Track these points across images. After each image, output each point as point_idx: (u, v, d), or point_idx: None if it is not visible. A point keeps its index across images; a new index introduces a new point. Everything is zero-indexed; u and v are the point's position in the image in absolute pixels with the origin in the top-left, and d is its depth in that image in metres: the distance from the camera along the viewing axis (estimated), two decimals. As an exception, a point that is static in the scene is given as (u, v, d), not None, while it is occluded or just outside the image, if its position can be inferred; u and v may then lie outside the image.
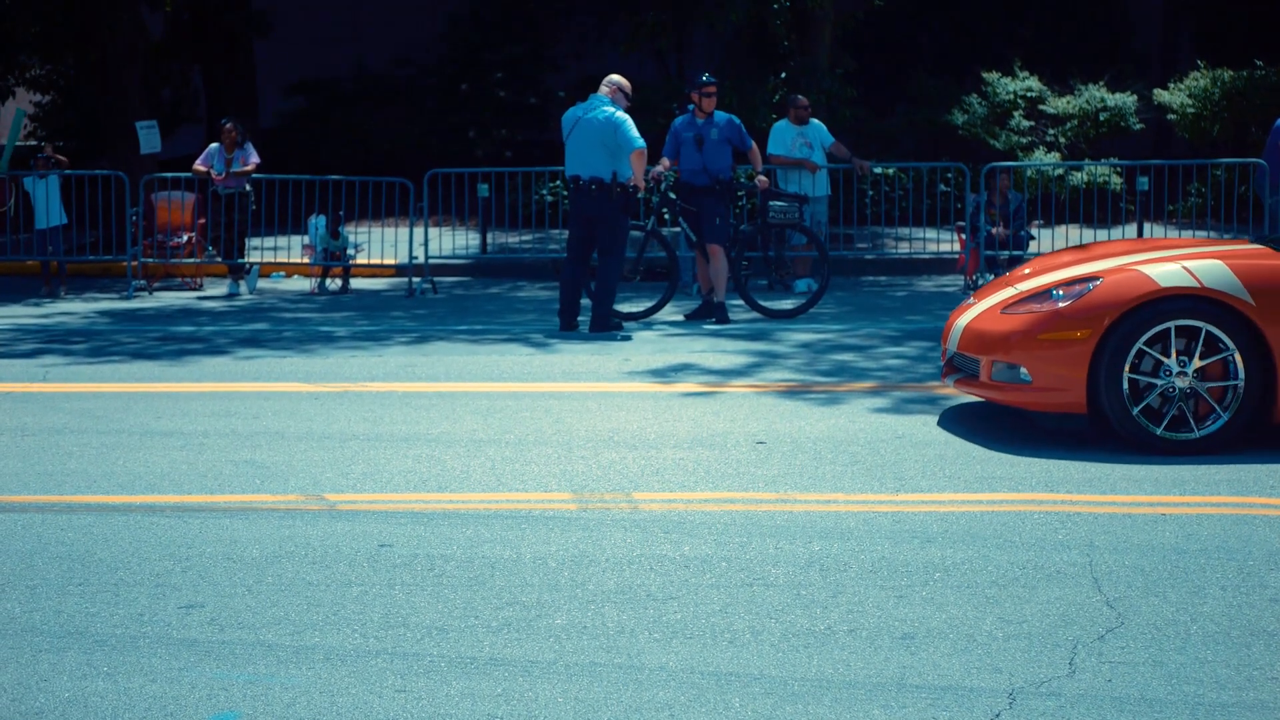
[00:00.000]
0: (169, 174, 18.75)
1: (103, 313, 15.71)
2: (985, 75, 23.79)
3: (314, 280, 17.74)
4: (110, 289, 17.66)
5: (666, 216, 15.69)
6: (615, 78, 13.82)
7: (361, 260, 18.04)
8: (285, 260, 18.45)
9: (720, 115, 14.85)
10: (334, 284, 17.62)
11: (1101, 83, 23.44)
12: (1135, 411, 8.35)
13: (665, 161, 14.83)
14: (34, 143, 26.64)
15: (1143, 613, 5.83)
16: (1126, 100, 23.00)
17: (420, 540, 6.82)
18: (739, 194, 17.27)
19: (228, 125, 17.75)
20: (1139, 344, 8.35)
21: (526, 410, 9.75)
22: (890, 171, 20.72)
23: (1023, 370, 8.60)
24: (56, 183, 17.78)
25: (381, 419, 9.52)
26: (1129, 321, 8.37)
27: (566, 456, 8.44)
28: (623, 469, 8.15)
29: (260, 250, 18.41)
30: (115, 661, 5.38)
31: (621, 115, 13.37)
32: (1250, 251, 9.02)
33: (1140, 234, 18.45)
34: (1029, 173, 20.19)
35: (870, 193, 20.63)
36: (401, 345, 12.94)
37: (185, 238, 18.35)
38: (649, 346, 12.69)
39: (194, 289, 17.88)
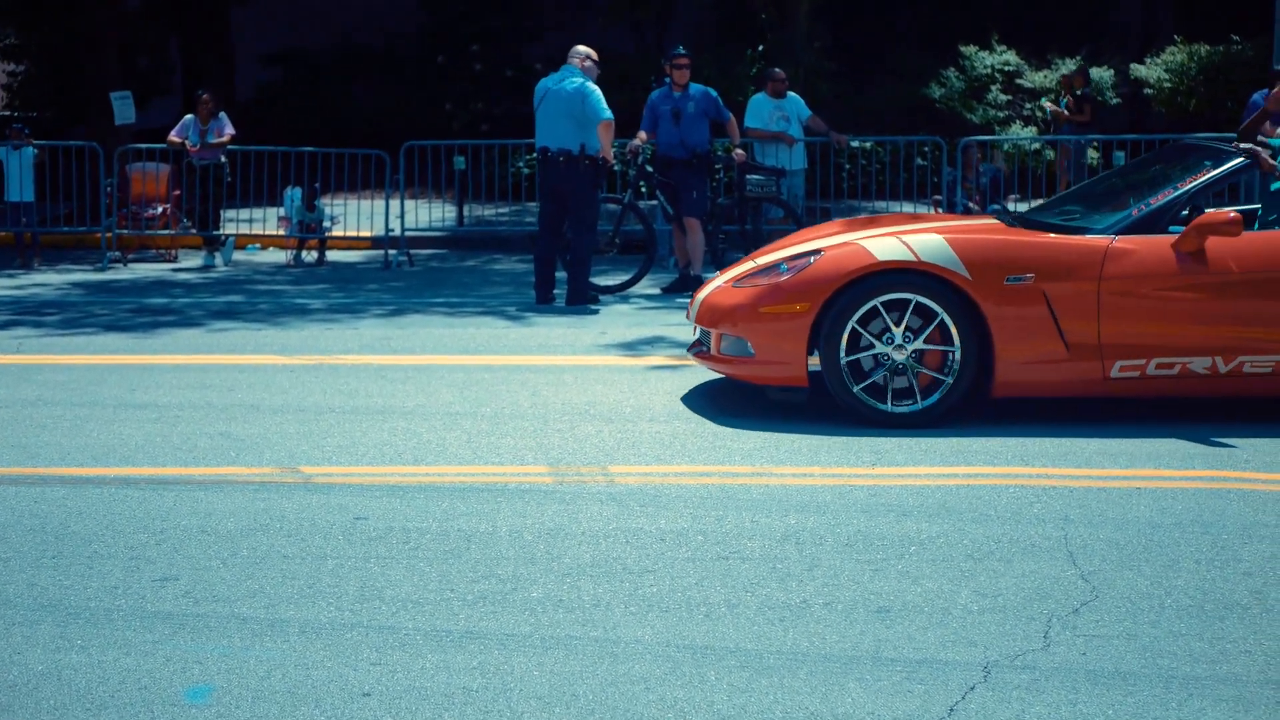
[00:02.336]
0: (144, 145, 18.65)
1: (76, 284, 15.63)
2: (963, 49, 23.78)
3: (289, 252, 17.67)
4: (84, 260, 17.57)
5: (644, 189, 15.67)
6: (582, 48, 13.75)
7: (337, 232, 17.97)
8: (260, 232, 18.38)
9: (697, 88, 14.81)
10: (310, 256, 17.55)
11: (1079, 57, 23.45)
12: (855, 386, 8.42)
13: (642, 135, 14.78)
14: (8, 113, 26.46)
15: (1117, 586, 5.85)
16: (1104, 75, 23.01)
17: (396, 513, 6.81)
18: (716, 167, 17.24)
19: (204, 96, 17.65)
20: (855, 317, 8.41)
21: (502, 383, 9.73)
22: (867, 145, 20.70)
23: (748, 343, 8.65)
24: (31, 155, 17.67)
25: (357, 392, 9.50)
26: (846, 295, 8.43)
27: (542, 430, 8.43)
28: (599, 442, 8.14)
29: (235, 222, 18.32)
30: (89, 635, 5.36)
31: (591, 86, 13.31)
32: (976, 226, 9.14)
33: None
34: (1005, 147, 20.18)
35: (847, 166, 20.62)
36: (377, 318, 12.90)
37: (160, 209, 18.26)
38: (625, 320, 12.68)
39: (169, 261, 17.79)
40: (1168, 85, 22.49)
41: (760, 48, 22.56)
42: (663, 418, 8.71)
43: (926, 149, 20.13)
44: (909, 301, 8.38)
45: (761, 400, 8.79)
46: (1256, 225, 9.18)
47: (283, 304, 13.86)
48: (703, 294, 9.19)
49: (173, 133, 17.71)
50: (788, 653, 5.20)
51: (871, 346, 8.43)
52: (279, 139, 20.26)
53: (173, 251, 18.07)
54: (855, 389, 8.41)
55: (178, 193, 18.21)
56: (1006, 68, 23.42)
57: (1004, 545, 6.35)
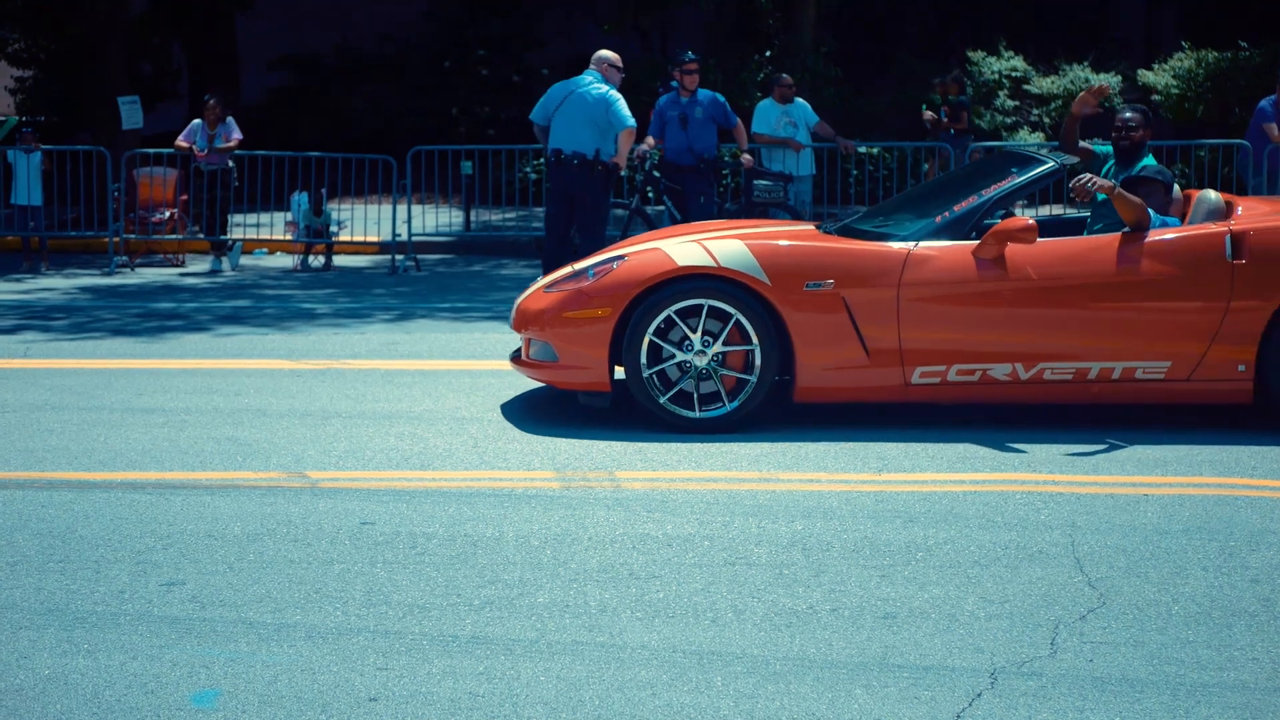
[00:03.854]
0: (151, 150, 18.67)
1: (84, 289, 15.64)
2: (970, 55, 23.78)
3: (296, 257, 17.68)
4: (91, 265, 17.59)
5: (651, 195, 15.67)
6: (607, 54, 13.67)
7: (344, 237, 17.99)
8: (268, 237, 18.39)
9: (705, 94, 14.82)
10: (316, 261, 17.56)
11: (1086, 63, 23.44)
12: (654, 391, 8.43)
13: (650, 140, 14.79)
14: (21, 117, 26.48)
15: (1124, 593, 5.84)
16: (1111, 81, 23.00)
17: (402, 518, 6.81)
18: (723, 172, 17.25)
19: (211, 101, 17.67)
20: (656, 322, 8.41)
21: (509, 388, 9.73)
22: (874, 151, 20.70)
23: (553, 348, 8.65)
24: (39, 160, 17.69)
25: (364, 396, 9.50)
26: (648, 300, 8.42)
27: (549, 434, 8.42)
28: (606, 447, 8.14)
29: (243, 227, 18.34)
30: (96, 639, 5.36)
31: (615, 94, 13.26)
32: (784, 233, 9.15)
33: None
34: (1013, 152, 20.13)
35: (854, 172, 20.62)
36: (384, 322, 12.91)
37: (167, 214, 18.27)
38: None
39: (176, 265, 17.81)
40: (1175, 92, 22.47)
41: (767, 53, 22.57)
42: (669, 423, 8.69)
43: (934, 155, 20.11)
44: (709, 307, 8.39)
45: (768, 407, 8.78)
46: (1085, 232, 9.13)
47: (290, 308, 13.86)
48: (520, 298, 9.16)
49: (180, 137, 17.73)
50: (794, 659, 5.20)
51: (673, 355, 8.44)
52: (284, 145, 20.29)
53: (180, 256, 18.09)
54: (656, 395, 8.43)
55: (185, 197, 18.23)
56: (1014, 74, 23.41)
57: (1011, 552, 6.34)
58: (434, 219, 19.25)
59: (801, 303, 8.39)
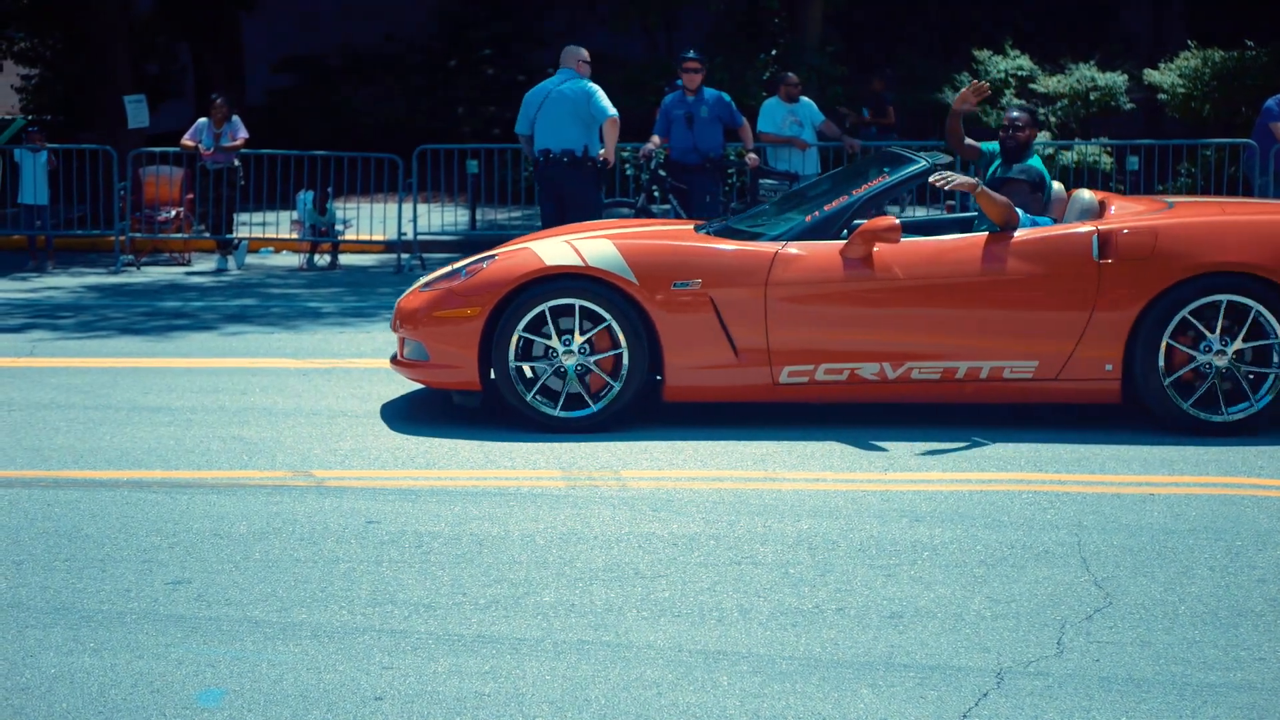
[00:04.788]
0: (157, 149, 18.68)
1: (90, 287, 15.65)
2: (976, 54, 23.76)
3: (302, 256, 17.69)
4: (98, 264, 17.60)
5: (656, 194, 15.66)
6: (576, 49, 13.66)
7: (350, 236, 17.99)
8: (273, 236, 18.40)
9: (710, 92, 14.81)
10: (322, 260, 17.57)
11: (1092, 62, 23.42)
12: (522, 389, 8.43)
13: (655, 139, 14.78)
14: (27, 117, 26.52)
15: (1131, 593, 5.83)
16: (1117, 80, 22.97)
17: (408, 517, 6.81)
18: (729, 172, 17.24)
19: (218, 101, 17.67)
20: (525, 321, 8.41)
21: (515, 387, 9.72)
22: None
23: (424, 347, 8.64)
24: (45, 159, 17.70)
25: (369, 395, 9.50)
26: (516, 299, 8.42)
27: (555, 434, 8.41)
28: (611, 447, 8.13)
29: (248, 225, 18.35)
30: (102, 637, 5.36)
31: (594, 85, 13.27)
32: (657, 233, 9.17)
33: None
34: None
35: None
36: (390, 321, 12.90)
37: (173, 213, 18.28)
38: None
39: (182, 264, 17.82)
40: (1181, 90, 22.44)
41: (773, 52, 22.56)
42: (674, 422, 8.70)
43: (939, 153, 20.11)
44: (578, 307, 8.39)
45: (774, 407, 8.77)
46: (975, 230, 9.11)
47: (296, 307, 13.87)
48: (400, 297, 9.16)
49: (186, 136, 17.74)
50: (800, 658, 5.19)
51: (543, 353, 8.45)
52: (290, 144, 20.29)
53: (186, 255, 18.10)
54: (524, 393, 8.42)
55: (191, 196, 18.24)
56: (1020, 72, 23.38)
57: (1017, 551, 6.34)
58: (439, 218, 19.26)
59: (669, 302, 8.38)
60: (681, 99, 14.78)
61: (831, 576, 6.03)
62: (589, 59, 13.59)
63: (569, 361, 8.41)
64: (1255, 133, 17.24)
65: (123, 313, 13.57)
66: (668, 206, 15.41)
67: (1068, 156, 20.99)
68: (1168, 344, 8.32)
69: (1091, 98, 22.86)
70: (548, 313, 8.41)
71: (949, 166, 8.89)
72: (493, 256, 8.77)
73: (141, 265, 17.51)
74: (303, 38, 27.11)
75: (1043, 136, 22.23)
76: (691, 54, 14.90)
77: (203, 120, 17.74)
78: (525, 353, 8.45)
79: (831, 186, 9.31)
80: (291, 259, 17.97)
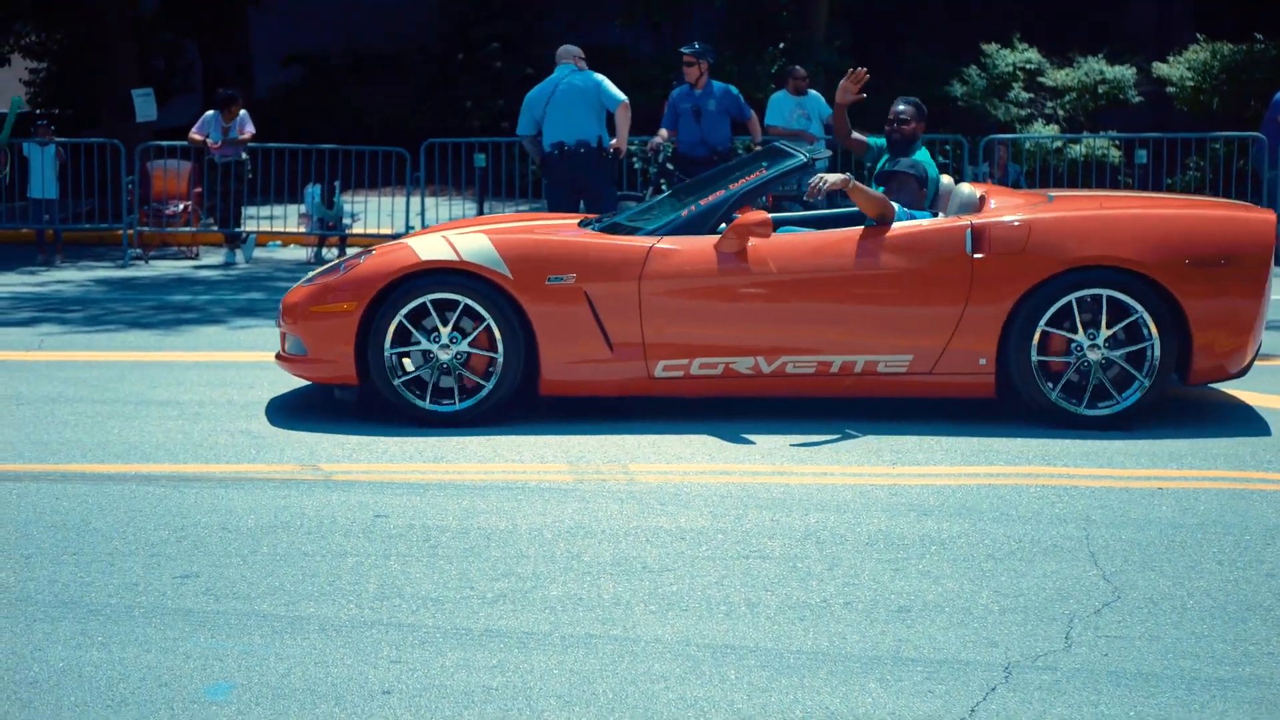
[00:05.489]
0: (165, 142, 18.69)
1: (98, 281, 15.67)
2: (984, 47, 23.73)
3: (310, 249, 17.70)
4: (106, 257, 17.62)
5: (664, 187, 15.63)
6: (571, 46, 13.76)
7: (357, 230, 17.99)
8: (281, 229, 18.41)
9: (718, 86, 14.80)
10: (330, 253, 17.58)
11: (1100, 55, 23.38)
12: (399, 383, 8.43)
13: (664, 132, 14.77)
14: (37, 110, 26.55)
15: (1139, 587, 5.83)
16: (1125, 73, 22.94)
17: (416, 511, 6.81)
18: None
19: (234, 96, 17.66)
20: (400, 315, 8.39)
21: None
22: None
23: (302, 341, 8.65)
24: (54, 153, 17.72)
25: (376, 389, 9.48)
26: (393, 294, 8.41)
27: (563, 428, 8.42)
28: (619, 441, 8.13)
29: (256, 219, 18.36)
30: (110, 631, 5.37)
31: (600, 75, 13.34)
32: (534, 227, 9.16)
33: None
34: (1027, 145, 20.13)
35: (868, 164, 20.57)
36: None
37: (181, 206, 18.31)
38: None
39: (190, 258, 17.84)
40: (1190, 84, 22.41)
41: (781, 46, 22.54)
42: (682, 416, 8.70)
43: (948, 147, 20.08)
44: (455, 302, 8.39)
45: (779, 400, 8.76)
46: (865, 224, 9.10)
47: (303, 301, 13.85)
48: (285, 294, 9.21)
49: (194, 130, 17.76)
50: (808, 652, 5.19)
51: (418, 343, 8.44)
52: (296, 139, 20.30)
53: (194, 249, 18.12)
54: (396, 385, 8.42)
55: (199, 190, 18.25)
56: (1028, 66, 23.35)
57: (1025, 545, 6.33)
58: (447, 211, 19.26)
59: (544, 297, 8.38)
60: (689, 93, 14.77)
61: (839, 570, 6.02)
62: (583, 55, 13.63)
63: (444, 355, 8.42)
64: (1264, 126, 17.22)
65: (131, 306, 13.58)
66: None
67: (1076, 150, 20.96)
68: (1043, 337, 8.31)
69: (1100, 91, 22.83)
70: (429, 306, 8.40)
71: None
72: (371, 251, 8.85)
73: (149, 259, 17.53)
74: (309, 33, 27.11)
75: (1051, 130, 22.21)
76: (685, 49, 14.89)
77: (210, 114, 17.75)
78: (403, 341, 8.45)
79: (713, 182, 9.30)
80: (299, 253, 17.98)
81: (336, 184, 17.62)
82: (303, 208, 17.86)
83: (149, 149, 18.45)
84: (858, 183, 8.52)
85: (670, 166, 14.90)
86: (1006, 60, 23.40)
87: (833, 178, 8.51)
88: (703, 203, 8.71)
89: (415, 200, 17.60)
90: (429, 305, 8.40)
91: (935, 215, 8.93)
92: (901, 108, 9.75)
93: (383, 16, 26.94)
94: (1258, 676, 5.00)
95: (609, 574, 5.98)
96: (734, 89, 14.98)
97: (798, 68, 17.28)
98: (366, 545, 6.33)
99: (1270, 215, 8.74)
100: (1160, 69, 22.89)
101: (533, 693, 4.86)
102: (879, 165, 9.67)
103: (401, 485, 7.27)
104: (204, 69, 27.62)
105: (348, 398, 8.78)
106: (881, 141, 9.87)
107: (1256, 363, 10.42)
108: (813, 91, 17.15)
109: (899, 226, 8.53)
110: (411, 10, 26.46)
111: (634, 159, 19.39)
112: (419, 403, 8.43)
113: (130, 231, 17.64)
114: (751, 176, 8.84)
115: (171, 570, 6.02)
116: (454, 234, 8.70)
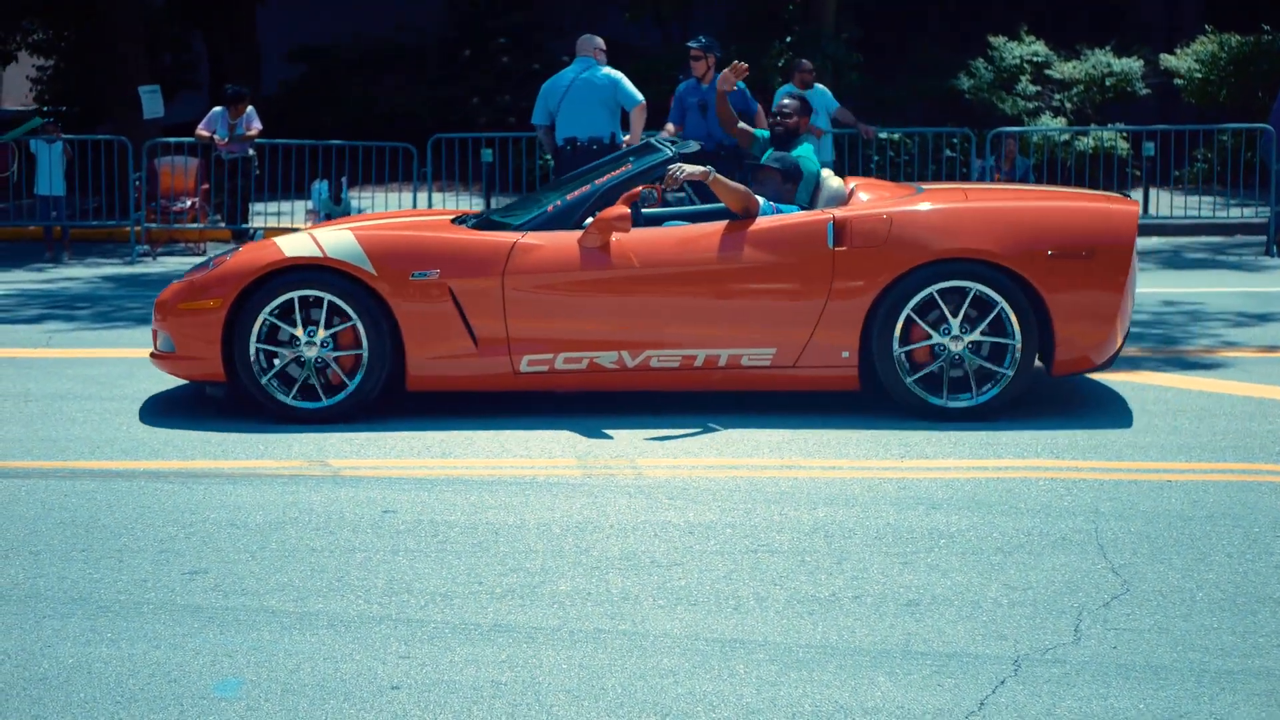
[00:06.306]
0: (172, 139, 18.71)
1: (106, 278, 15.69)
2: (991, 40, 23.71)
3: (317, 246, 17.69)
4: (114, 254, 17.64)
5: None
6: (593, 37, 13.67)
7: (365, 226, 17.98)
8: (289, 225, 18.42)
9: (725, 80, 14.75)
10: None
11: (1108, 48, 23.35)
12: (262, 378, 8.43)
13: (670, 127, 14.74)
14: (44, 112, 26.58)
15: (1148, 579, 5.82)
16: (1133, 65, 22.92)
17: (424, 506, 6.82)
18: (743, 159, 17.19)
19: (243, 93, 17.66)
20: (265, 312, 8.39)
21: (530, 376, 9.72)
22: (895, 136, 20.65)
23: (171, 338, 8.65)
24: (61, 150, 17.74)
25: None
26: (258, 292, 8.41)
27: (571, 422, 8.42)
28: (627, 435, 8.13)
29: (264, 215, 18.37)
30: (119, 628, 5.38)
31: (619, 74, 13.30)
32: (403, 224, 9.15)
33: (1145, 201, 18.38)
34: (1035, 138, 20.11)
35: (875, 158, 20.57)
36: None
37: (189, 203, 18.33)
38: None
39: (197, 254, 17.85)
40: (1198, 76, 22.38)
41: (788, 40, 22.53)
42: (691, 410, 8.70)
43: (955, 140, 20.07)
44: (321, 299, 8.39)
45: (781, 394, 8.76)
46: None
47: (311, 297, 13.86)
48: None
49: (200, 126, 17.77)
50: (817, 646, 5.19)
51: (287, 340, 8.45)
52: (304, 135, 20.31)
53: (202, 245, 18.14)
54: (261, 380, 8.44)
55: (206, 186, 18.27)
56: (1035, 58, 23.34)
57: (1034, 538, 6.32)
58: (454, 206, 19.26)
59: (409, 293, 8.39)
60: (695, 87, 14.74)
61: (848, 564, 6.02)
62: (605, 47, 13.59)
63: (310, 353, 8.43)
64: (1271, 118, 17.19)
65: (139, 303, 13.59)
66: (683, 194, 15.39)
67: (1084, 142, 20.94)
68: (906, 329, 8.33)
69: (1107, 83, 22.82)
70: (296, 302, 8.40)
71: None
72: (238, 248, 8.90)
73: (157, 255, 17.54)
74: (317, 28, 27.12)
75: (1059, 122, 22.19)
76: (692, 43, 14.88)
77: (217, 110, 17.77)
78: (269, 341, 8.46)
79: (581, 178, 9.31)
80: (307, 249, 17.97)
81: (344, 179, 17.62)
82: (310, 203, 17.87)
83: (156, 146, 18.47)
84: (719, 175, 8.57)
85: (677, 160, 14.87)
86: (1014, 53, 23.38)
87: (690, 168, 8.55)
88: (568, 198, 8.73)
89: (422, 196, 17.60)
90: (294, 302, 8.41)
91: (802, 209, 8.91)
92: (785, 102, 9.85)
93: (390, 12, 26.95)
94: (1267, 669, 4.99)
95: (617, 568, 5.98)
96: (740, 83, 14.96)
97: (804, 61, 17.28)
98: (375, 541, 6.33)
99: (1133, 207, 8.79)
100: (1168, 61, 22.87)
101: (541, 687, 4.86)
102: (763, 158, 9.67)
103: (409, 481, 7.28)
104: (211, 65, 27.65)
105: (218, 395, 8.78)
106: (766, 134, 9.92)
107: (1263, 354, 10.43)
108: (819, 85, 17.15)
109: (763, 220, 8.56)
110: (418, 6, 26.46)
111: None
112: (284, 399, 8.45)
113: (138, 228, 17.66)
114: (617, 171, 8.90)
115: (180, 566, 6.03)
116: (321, 231, 8.75)
